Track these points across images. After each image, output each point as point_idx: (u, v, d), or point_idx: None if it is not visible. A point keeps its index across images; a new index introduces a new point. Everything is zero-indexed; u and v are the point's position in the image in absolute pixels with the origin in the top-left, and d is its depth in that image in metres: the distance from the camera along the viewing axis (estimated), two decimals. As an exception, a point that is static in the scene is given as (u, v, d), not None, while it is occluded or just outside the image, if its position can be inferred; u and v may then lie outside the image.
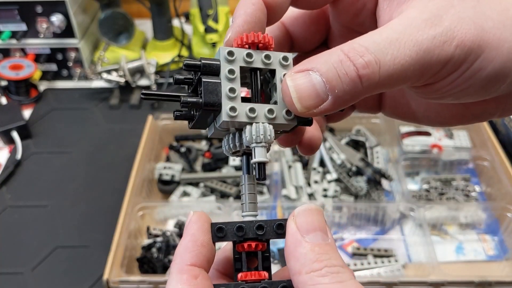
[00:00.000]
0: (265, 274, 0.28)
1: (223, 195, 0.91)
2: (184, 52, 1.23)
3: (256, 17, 0.28)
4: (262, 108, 0.28)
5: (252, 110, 0.27)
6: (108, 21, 1.17)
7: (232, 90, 0.27)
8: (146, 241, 0.83)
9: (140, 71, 1.19)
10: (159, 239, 0.83)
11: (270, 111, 0.28)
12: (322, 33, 0.34)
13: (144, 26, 1.36)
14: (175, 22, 1.25)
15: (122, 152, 1.05)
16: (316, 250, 0.25)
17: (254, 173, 0.28)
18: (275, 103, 0.28)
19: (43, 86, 1.22)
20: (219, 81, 0.27)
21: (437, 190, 0.90)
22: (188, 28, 1.28)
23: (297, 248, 0.25)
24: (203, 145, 1.02)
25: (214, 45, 1.17)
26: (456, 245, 0.85)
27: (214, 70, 0.28)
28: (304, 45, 0.34)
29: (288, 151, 0.96)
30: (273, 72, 0.29)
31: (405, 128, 1.00)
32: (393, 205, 0.86)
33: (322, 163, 0.94)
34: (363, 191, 0.89)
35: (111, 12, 1.16)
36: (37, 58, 1.19)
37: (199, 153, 1.00)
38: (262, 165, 0.28)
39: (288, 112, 0.28)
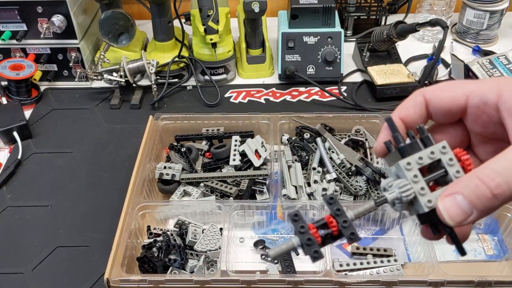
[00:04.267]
0: None
1: (223, 195, 0.91)
2: (185, 53, 1.23)
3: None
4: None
5: (429, 201, 0.36)
6: (108, 21, 1.17)
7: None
8: (147, 241, 0.83)
9: (140, 71, 1.19)
10: (159, 238, 0.83)
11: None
12: (462, 137, 0.41)
13: (145, 26, 1.36)
14: (176, 23, 1.26)
15: (122, 152, 1.05)
16: None
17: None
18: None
19: (43, 86, 1.23)
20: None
21: (436, 190, 0.90)
22: (188, 29, 1.29)
23: None
24: (203, 145, 1.02)
25: (214, 45, 1.17)
26: (456, 245, 0.86)
27: None
28: (442, 122, 0.41)
29: (288, 151, 0.96)
30: (438, 160, 0.37)
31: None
32: (393, 205, 0.86)
33: (321, 163, 0.94)
34: (363, 191, 0.89)
35: (112, 12, 1.16)
36: (38, 58, 1.19)
37: (199, 153, 1.00)
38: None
39: None
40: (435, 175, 0.36)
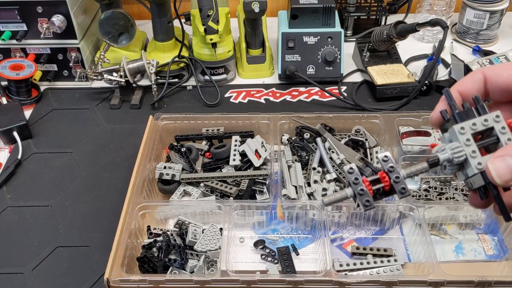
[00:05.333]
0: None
1: (223, 195, 0.91)
2: (185, 53, 1.23)
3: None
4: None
5: (479, 163, 0.38)
6: (108, 21, 1.17)
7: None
8: (147, 241, 0.83)
9: (140, 71, 1.19)
10: (159, 238, 0.83)
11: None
12: None
13: (145, 26, 1.36)
14: (176, 23, 1.26)
15: (122, 152, 1.05)
16: None
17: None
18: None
19: (43, 86, 1.23)
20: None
21: (436, 190, 0.90)
22: (188, 29, 1.29)
23: None
24: (203, 145, 1.02)
25: (214, 45, 1.17)
26: (456, 245, 0.86)
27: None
28: (499, 100, 0.42)
29: (288, 151, 0.96)
30: (491, 128, 0.39)
31: (405, 128, 1.00)
32: (393, 205, 0.86)
33: (321, 163, 0.94)
34: (363, 191, 0.89)
35: (112, 12, 1.16)
36: (38, 58, 1.19)
37: (199, 153, 1.00)
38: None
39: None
40: (487, 141, 0.38)
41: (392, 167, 0.40)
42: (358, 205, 0.40)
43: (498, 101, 0.42)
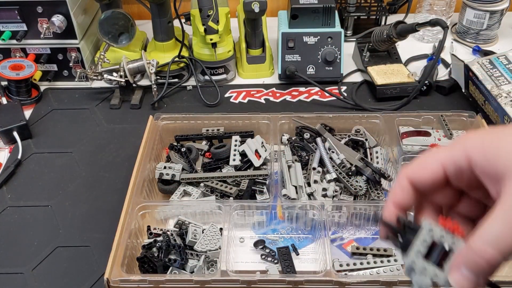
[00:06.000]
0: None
1: (223, 195, 0.91)
2: (185, 53, 1.23)
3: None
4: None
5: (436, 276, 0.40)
6: (108, 21, 1.17)
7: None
8: (147, 241, 0.83)
9: (140, 71, 1.19)
10: (159, 238, 0.83)
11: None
12: (452, 194, 0.44)
13: (145, 26, 1.36)
14: (176, 23, 1.26)
15: (122, 152, 1.05)
16: None
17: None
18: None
19: (43, 86, 1.23)
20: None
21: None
22: (188, 29, 1.29)
23: None
24: (203, 145, 1.02)
25: (214, 45, 1.17)
26: (456, 245, 0.85)
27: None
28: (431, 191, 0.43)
29: (288, 151, 0.96)
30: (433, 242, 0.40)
31: (405, 128, 1.00)
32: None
33: (321, 163, 0.94)
34: (363, 191, 0.89)
35: (112, 12, 1.16)
36: (38, 58, 1.19)
37: (199, 153, 1.00)
38: None
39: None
40: (438, 254, 0.40)
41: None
42: None
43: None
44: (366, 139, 0.99)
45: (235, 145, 0.97)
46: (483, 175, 0.38)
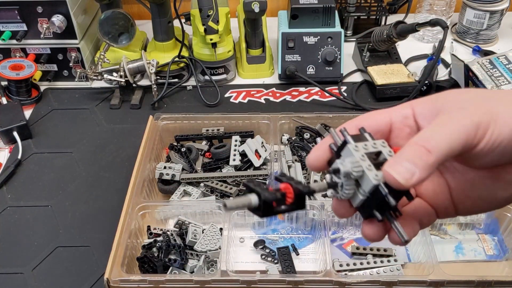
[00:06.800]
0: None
1: (223, 195, 0.91)
2: (185, 53, 1.23)
3: None
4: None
5: (376, 175, 0.39)
6: (108, 21, 1.17)
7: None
8: (147, 241, 0.84)
9: (140, 71, 1.19)
10: (159, 238, 0.83)
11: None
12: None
13: (145, 26, 1.36)
14: (176, 23, 1.26)
15: (122, 152, 1.05)
16: None
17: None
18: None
19: (43, 86, 1.23)
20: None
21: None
22: (188, 29, 1.29)
23: None
24: (203, 145, 1.02)
25: (214, 45, 1.17)
26: (456, 245, 0.86)
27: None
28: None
29: (288, 151, 0.96)
30: (379, 152, 0.40)
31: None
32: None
33: (322, 163, 0.94)
34: (363, 191, 0.89)
35: (112, 12, 1.16)
36: (38, 58, 1.19)
37: (199, 153, 1.00)
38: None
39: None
40: (377, 162, 0.40)
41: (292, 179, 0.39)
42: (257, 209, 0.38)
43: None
44: (366, 139, 0.99)
45: (235, 145, 0.97)
46: (422, 119, 0.41)
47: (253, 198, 0.37)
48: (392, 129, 0.43)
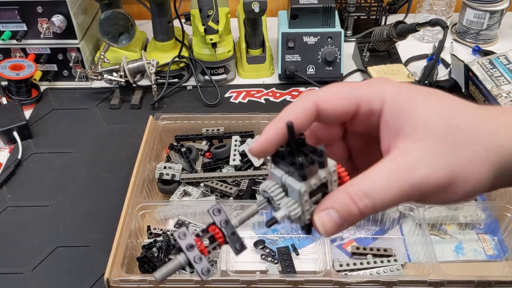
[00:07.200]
0: None
1: (223, 195, 0.91)
2: (185, 53, 1.23)
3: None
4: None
5: (308, 219, 0.37)
6: (108, 21, 1.17)
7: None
8: (147, 241, 0.84)
9: (140, 71, 1.19)
10: (159, 238, 0.83)
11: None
12: (340, 132, 0.43)
13: (145, 26, 1.36)
14: (176, 23, 1.25)
15: (122, 152, 1.05)
16: None
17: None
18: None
19: (43, 86, 1.23)
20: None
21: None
22: (188, 29, 1.29)
23: None
24: (203, 145, 1.02)
25: (214, 45, 1.17)
26: (456, 245, 0.86)
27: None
28: (326, 140, 0.42)
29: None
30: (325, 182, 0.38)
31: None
32: (393, 205, 0.86)
33: (322, 163, 0.94)
34: (363, 191, 0.89)
35: (112, 12, 1.16)
36: (38, 58, 1.19)
37: (199, 153, 1.00)
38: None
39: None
40: (317, 196, 0.37)
41: (226, 221, 0.38)
42: (194, 272, 0.38)
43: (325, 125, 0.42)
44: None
45: (235, 145, 0.97)
46: (385, 125, 0.37)
47: (182, 259, 0.36)
48: (355, 118, 0.39)
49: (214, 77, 1.22)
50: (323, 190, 0.37)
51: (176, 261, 0.36)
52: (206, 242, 0.38)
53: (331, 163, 0.37)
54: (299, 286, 0.74)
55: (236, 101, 1.19)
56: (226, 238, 0.38)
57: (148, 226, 0.86)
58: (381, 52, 1.24)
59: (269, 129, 0.38)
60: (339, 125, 0.42)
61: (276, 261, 0.82)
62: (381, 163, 0.35)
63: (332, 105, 0.39)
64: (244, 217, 0.39)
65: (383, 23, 1.38)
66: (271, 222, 0.38)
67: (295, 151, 0.37)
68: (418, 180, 0.34)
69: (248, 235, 0.88)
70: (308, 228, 0.38)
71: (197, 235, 0.37)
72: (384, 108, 0.37)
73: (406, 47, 1.30)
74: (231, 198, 0.89)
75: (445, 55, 1.28)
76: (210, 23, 1.14)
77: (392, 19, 1.25)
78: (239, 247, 0.39)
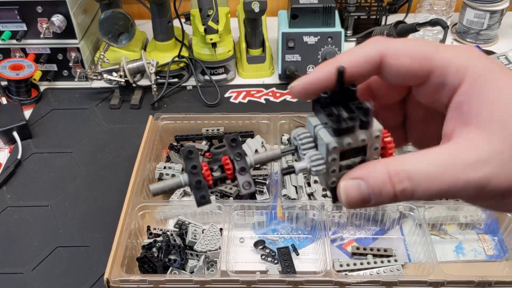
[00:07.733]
0: None
1: (223, 195, 0.91)
2: (185, 53, 1.23)
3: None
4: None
5: (333, 182, 0.33)
6: (108, 21, 1.17)
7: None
8: (147, 241, 0.83)
9: (140, 71, 1.19)
10: (159, 239, 0.83)
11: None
12: (401, 94, 0.37)
13: (145, 26, 1.36)
14: (176, 23, 1.25)
15: (122, 152, 1.05)
16: None
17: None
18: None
19: (43, 86, 1.23)
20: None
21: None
22: (188, 29, 1.28)
23: None
24: (203, 145, 1.02)
25: (214, 45, 1.17)
26: (456, 245, 0.86)
27: None
28: (383, 100, 0.37)
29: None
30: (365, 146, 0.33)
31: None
32: (393, 204, 0.86)
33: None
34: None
35: (112, 12, 1.16)
36: (38, 58, 1.19)
37: (199, 153, 1.00)
38: None
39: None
40: (352, 160, 0.33)
41: (239, 154, 0.33)
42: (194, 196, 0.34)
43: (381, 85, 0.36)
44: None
45: (235, 145, 0.97)
46: (457, 106, 0.31)
47: (183, 179, 0.33)
48: (422, 86, 0.33)
49: (214, 77, 1.22)
50: (361, 155, 0.32)
51: (177, 179, 0.33)
52: (217, 174, 0.34)
53: (376, 126, 0.32)
54: (299, 286, 0.74)
55: (236, 101, 1.19)
56: (235, 173, 0.33)
57: (148, 226, 0.86)
58: (381, 52, 1.24)
59: (318, 70, 0.33)
60: (402, 87, 0.36)
61: (276, 261, 0.82)
62: (437, 148, 0.30)
63: (401, 62, 0.32)
64: (263, 158, 0.34)
65: (383, 23, 1.38)
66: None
67: (339, 102, 0.32)
68: (477, 179, 0.29)
69: (248, 235, 0.88)
70: (334, 193, 0.33)
71: (208, 162, 0.34)
72: (461, 87, 0.31)
73: (406, 47, 1.30)
74: (231, 198, 0.89)
75: (445, 55, 1.28)
76: (210, 23, 1.14)
77: (392, 19, 1.25)
78: (247, 187, 0.33)
